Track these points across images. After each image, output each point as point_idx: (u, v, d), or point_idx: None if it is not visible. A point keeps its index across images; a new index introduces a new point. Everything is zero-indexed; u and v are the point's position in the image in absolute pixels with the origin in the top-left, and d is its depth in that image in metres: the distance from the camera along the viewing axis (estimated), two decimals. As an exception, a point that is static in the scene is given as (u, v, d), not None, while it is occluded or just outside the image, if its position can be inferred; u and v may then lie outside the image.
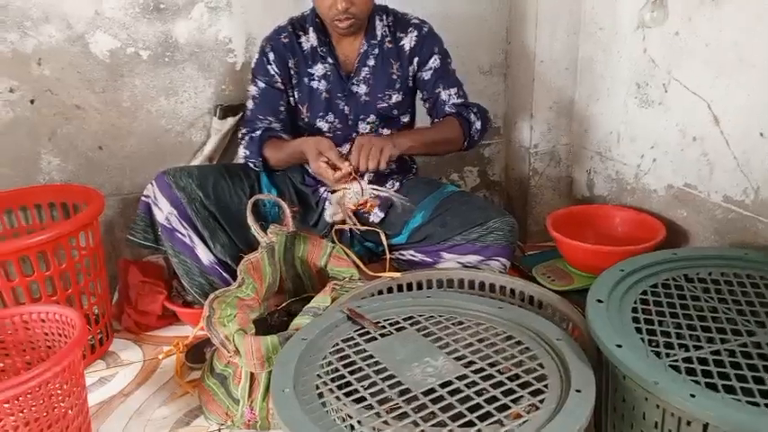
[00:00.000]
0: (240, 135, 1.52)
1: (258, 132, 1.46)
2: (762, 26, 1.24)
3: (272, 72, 1.48)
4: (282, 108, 1.51)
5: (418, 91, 1.57)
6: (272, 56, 1.47)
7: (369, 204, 1.37)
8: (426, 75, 1.52)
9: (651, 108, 1.57)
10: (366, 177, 1.43)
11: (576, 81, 1.85)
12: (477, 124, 1.51)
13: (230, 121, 1.69)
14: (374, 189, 1.37)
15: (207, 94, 1.71)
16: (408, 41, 1.51)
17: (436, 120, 1.54)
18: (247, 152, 1.47)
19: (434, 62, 1.52)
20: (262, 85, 1.49)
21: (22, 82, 1.54)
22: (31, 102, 1.57)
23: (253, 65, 1.52)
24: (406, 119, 1.59)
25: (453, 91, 1.52)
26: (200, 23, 1.64)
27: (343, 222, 1.45)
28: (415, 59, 1.52)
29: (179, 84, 1.67)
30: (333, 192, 1.43)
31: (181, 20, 1.62)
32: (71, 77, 1.58)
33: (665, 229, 1.50)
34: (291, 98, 1.52)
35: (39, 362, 1.27)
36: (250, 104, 1.52)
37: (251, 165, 1.50)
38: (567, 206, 1.94)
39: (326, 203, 1.52)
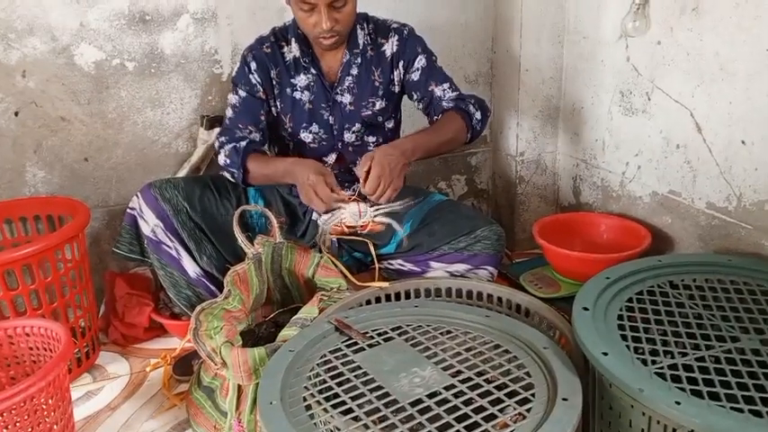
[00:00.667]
0: (219, 143, 1.47)
1: (243, 143, 1.43)
2: (742, 36, 1.26)
3: (254, 81, 1.47)
4: (263, 118, 1.49)
5: (409, 93, 1.55)
6: (253, 65, 1.47)
7: (369, 227, 1.35)
8: (415, 76, 1.51)
9: (635, 116, 1.59)
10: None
11: (561, 89, 1.87)
12: (478, 115, 1.49)
13: (217, 131, 1.68)
14: (377, 211, 1.34)
15: (193, 105, 1.70)
16: (390, 47, 1.51)
17: (435, 117, 1.51)
18: (228, 161, 1.44)
19: (420, 62, 1.51)
20: (243, 93, 1.48)
21: (6, 94, 1.53)
22: (16, 114, 1.56)
23: (234, 74, 1.51)
24: (390, 125, 1.59)
25: (446, 86, 1.51)
26: (186, 35, 1.64)
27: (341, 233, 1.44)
28: (400, 63, 1.51)
29: (165, 95, 1.67)
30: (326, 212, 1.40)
31: (167, 31, 1.62)
32: (56, 89, 1.57)
33: (650, 236, 1.52)
34: (273, 108, 1.51)
35: (23, 377, 1.25)
36: (230, 113, 1.49)
37: (229, 175, 1.46)
38: (553, 213, 1.95)
39: (318, 227, 1.49)
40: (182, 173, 1.71)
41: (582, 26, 1.74)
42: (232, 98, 1.49)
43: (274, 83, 1.49)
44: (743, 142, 1.30)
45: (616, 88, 1.64)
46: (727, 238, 1.37)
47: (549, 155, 1.94)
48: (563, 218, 1.77)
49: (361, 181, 1.29)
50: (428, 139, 1.42)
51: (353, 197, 1.36)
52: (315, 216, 1.52)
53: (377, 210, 1.35)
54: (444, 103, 1.49)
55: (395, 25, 1.52)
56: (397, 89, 1.54)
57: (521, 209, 1.98)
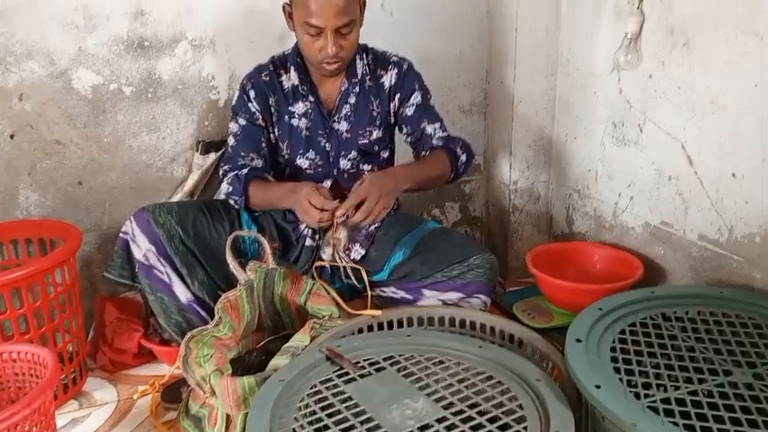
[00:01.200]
0: (222, 171, 1.52)
1: (245, 171, 1.47)
2: (731, 71, 1.28)
3: (253, 109, 1.49)
4: (263, 144, 1.52)
5: (400, 127, 1.59)
6: (252, 93, 1.49)
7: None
8: (409, 111, 1.55)
9: (627, 147, 1.61)
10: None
11: (554, 120, 1.89)
12: (463, 158, 1.54)
13: (212, 156, 1.69)
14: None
15: (189, 130, 1.71)
16: (388, 79, 1.53)
17: (423, 153, 1.54)
18: (231, 188, 1.47)
19: (416, 98, 1.54)
20: (243, 122, 1.50)
21: (3, 117, 1.54)
22: (11, 137, 1.56)
23: (233, 102, 1.53)
24: (385, 154, 1.61)
25: (437, 125, 1.56)
26: (184, 61, 1.65)
27: (333, 259, 1.46)
28: (397, 96, 1.54)
29: (161, 119, 1.68)
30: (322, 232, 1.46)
31: (165, 57, 1.63)
32: (52, 113, 1.58)
33: (643, 267, 1.52)
34: (272, 135, 1.53)
35: (8, 403, 1.23)
36: (231, 141, 1.52)
37: (232, 202, 1.49)
38: (546, 242, 1.96)
39: (321, 249, 1.53)
40: (176, 197, 1.71)
41: (575, 59, 1.77)
42: (233, 126, 1.52)
43: (273, 110, 1.50)
44: (733, 175, 1.31)
45: (609, 120, 1.66)
46: (719, 269, 1.37)
47: (542, 184, 1.96)
48: (556, 247, 1.77)
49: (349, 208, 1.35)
50: (418, 172, 1.46)
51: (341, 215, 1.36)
52: (308, 242, 1.52)
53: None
54: (434, 141, 1.53)
55: (395, 58, 1.55)
56: (392, 120, 1.57)
57: (514, 237, 1.98)
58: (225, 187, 1.49)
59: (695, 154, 1.40)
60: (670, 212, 1.50)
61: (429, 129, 1.54)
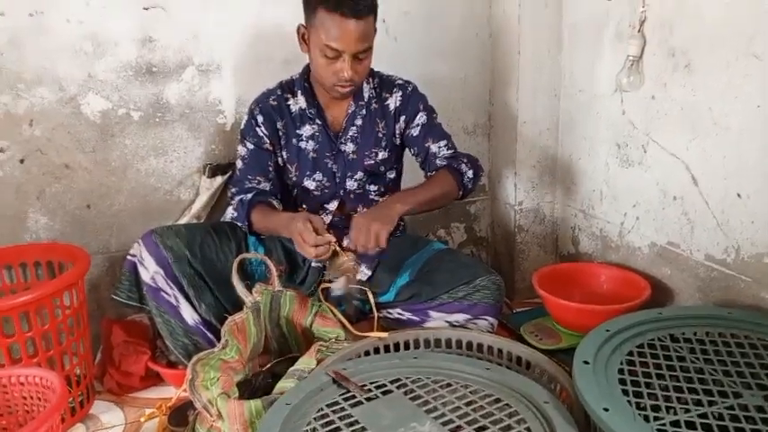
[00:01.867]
0: (230, 194, 1.53)
1: (249, 195, 1.48)
2: (733, 92, 1.29)
3: (261, 134, 1.51)
4: (271, 168, 1.54)
5: (409, 148, 1.60)
6: (260, 118, 1.51)
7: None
8: (415, 131, 1.56)
9: (632, 168, 1.62)
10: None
11: (558, 141, 1.90)
12: (469, 173, 1.52)
13: (219, 179, 1.71)
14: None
15: (196, 154, 1.73)
16: (393, 101, 1.55)
17: (429, 173, 1.55)
18: (235, 214, 1.49)
19: (421, 118, 1.56)
20: (250, 146, 1.52)
21: (13, 142, 1.56)
22: (21, 161, 1.58)
23: (242, 126, 1.55)
24: (392, 174, 1.62)
25: (443, 143, 1.55)
26: (191, 86, 1.68)
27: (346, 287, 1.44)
28: (402, 117, 1.56)
29: (169, 143, 1.70)
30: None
31: (172, 82, 1.66)
32: (61, 137, 1.60)
33: (650, 288, 1.51)
34: (279, 158, 1.55)
35: (16, 427, 1.23)
36: (239, 164, 1.54)
37: (240, 227, 1.51)
38: (553, 263, 1.96)
39: (317, 273, 1.54)
40: (183, 220, 1.72)
41: (578, 80, 1.79)
42: (241, 150, 1.53)
43: (281, 134, 1.52)
44: (738, 195, 1.31)
45: (612, 140, 1.67)
46: (727, 290, 1.37)
47: (547, 204, 1.96)
48: (562, 268, 1.76)
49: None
50: (420, 195, 1.45)
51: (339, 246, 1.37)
52: (315, 264, 1.53)
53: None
54: (438, 161, 1.53)
55: (399, 81, 1.57)
56: (398, 141, 1.58)
57: (520, 258, 1.98)
58: (230, 212, 1.50)
59: (699, 174, 1.41)
60: (676, 232, 1.50)
61: (434, 147, 1.55)
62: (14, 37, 1.50)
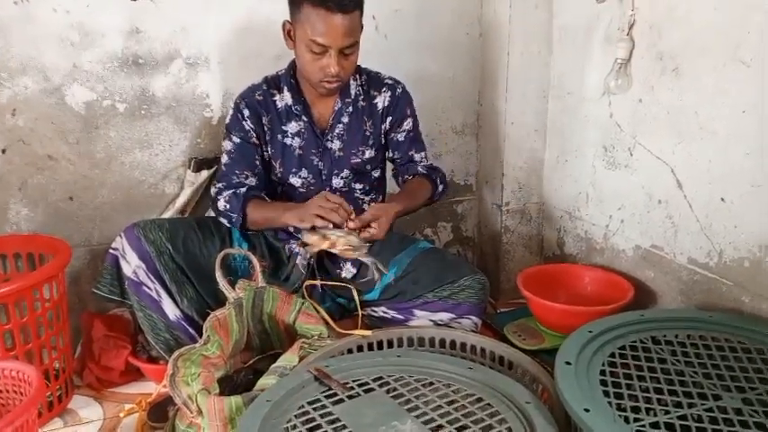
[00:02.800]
0: (217, 189, 1.50)
1: (243, 189, 1.46)
2: (720, 96, 1.30)
3: (247, 128, 1.50)
4: (258, 163, 1.52)
5: (390, 149, 1.61)
6: (246, 112, 1.49)
7: (342, 249, 1.33)
8: (400, 136, 1.58)
9: (618, 170, 1.62)
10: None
11: (546, 142, 1.91)
12: (440, 188, 1.62)
13: (204, 174, 1.69)
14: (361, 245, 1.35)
15: (182, 147, 1.71)
16: (382, 101, 1.55)
17: (407, 177, 1.60)
18: (228, 206, 1.46)
19: (408, 125, 1.58)
20: (237, 140, 1.50)
21: (-5, 131, 1.54)
22: (3, 151, 1.55)
23: (227, 121, 1.53)
24: (377, 173, 1.62)
25: (423, 154, 1.63)
26: (178, 78, 1.66)
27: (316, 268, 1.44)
28: (388, 119, 1.56)
29: (154, 136, 1.68)
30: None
31: (159, 74, 1.64)
32: (45, 128, 1.58)
33: (633, 290, 1.52)
34: (265, 153, 1.53)
35: (-9, 421, 1.21)
36: (225, 159, 1.52)
37: (225, 220, 1.48)
38: (538, 264, 1.96)
39: (300, 271, 1.52)
40: (167, 214, 1.70)
41: (566, 82, 1.79)
42: (227, 145, 1.51)
43: (266, 129, 1.51)
44: (722, 200, 1.32)
45: (599, 143, 1.67)
46: (709, 293, 1.38)
47: (533, 206, 1.97)
48: (547, 269, 1.77)
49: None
50: (411, 202, 1.52)
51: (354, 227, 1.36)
52: (300, 260, 1.52)
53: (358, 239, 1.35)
54: (419, 168, 1.59)
55: (389, 81, 1.57)
56: (383, 141, 1.58)
57: (506, 258, 1.98)
58: (222, 205, 1.47)
59: (684, 178, 1.42)
60: (660, 236, 1.50)
61: (416, 157, 1.62)
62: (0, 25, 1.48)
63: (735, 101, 1.27)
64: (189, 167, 1.70)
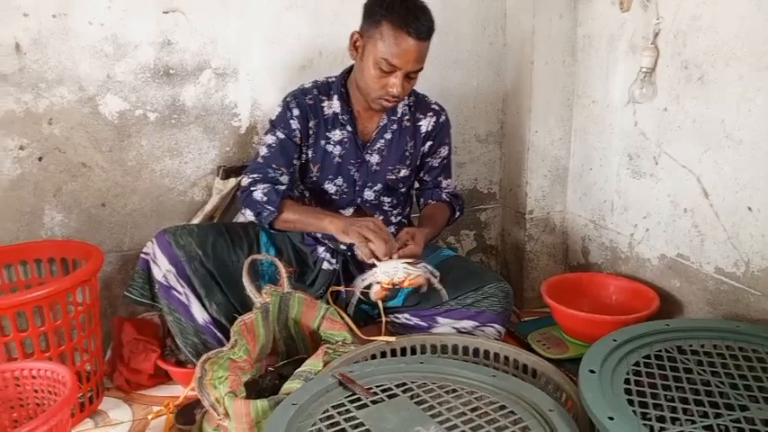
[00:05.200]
0: (251, 179, 1.47)
1: (282, 187, 1.46)
2: (746, 106, 1.29)
3: (294, 126, 1.48)
4: (295, 162, 1.52)
5: (422, 172, 1.64)
6: (296, 111, 1.48)
7: (408, 282, 1.33)
8: (435, 162, 1.61)
9: (643, 179, 1.61)
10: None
11: (570, 151, 1.91)
12: (457, 214, 1.67)
13: (232, 181, 1.73)
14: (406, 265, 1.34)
15: (211, 156, 1.75)
16: (426, 124, 1.57)
17: (429, 201, 1.65)
18: (265, 198, 1.43)
19: (444, 152, 1.62)
20: (281, 135, 1.49)
21: (32, 140, 1.59)
22: (39, 159, 1.61)
23: (274, 117, 1.51)
24: (404, 189, 1.63)
25: (450, 181, 1.68)
26: (208, 88, 1.70)
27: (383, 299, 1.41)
28: (429, 143, 1.59)
29: (184, 145, 1.72)
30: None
31: (189, 85, 1.68)
32: (79, 137, 1.63)
33: (658, 299, 1.51)
34: (304, 155, 1.53)
35: (26, 420, 1.25)
36: (264, 151, 1.49)
37: (255, 212, 1.44)
38: (562, 272, 1.96)
39: (327, 276, 1.54)
40: (195, 221, 1.74)
41: (591, 91, 1.79)
42: (269, 138, 1.50)
43: (311, 132, 1.51)
44: (749, 209, 1.31)
45: (624, 151, 1.67)
46: (736, 303, 1.36)
47: (557, 214, 1.96)
48: (571, 277, 1.77)
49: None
50: (433, 230, 1.56)
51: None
52: (326, 266, 1.54)
53: (405, 263, 1.33)
54: (444, 195, 1.64)
55: (435, 106, 1.59)
56: (419, 162, 1.61)
57: (529, 267, 1.98)
58: (259, 195, 1.43)
59: (711, 187, 1.41)
60: (686, 245, 1.49)
61: (444, 183, 1.66)
62: (38, 38, 1.54)
63: (761, 109, 1.26)
64: (217, 175, 1.74)
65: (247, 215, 1.48)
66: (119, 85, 1.63)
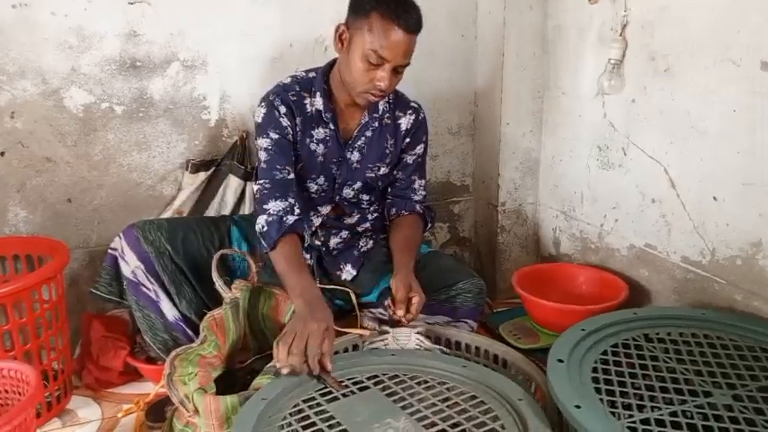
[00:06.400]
0: (261, 189, 1.41)
1: (290, 220, 1.37)
2: (711, 97, 1.32)
3: (284, 124, 1.44)
4: (294, 159, 1.47)
5: (397, 170, 1.60)
6: (283, 109, 1.44)
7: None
8: (410, 159, 1.58)
9: (612, 170, 1.63)
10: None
11: (541, 142, 1.92)
12: (428, 225, 1.62)
13: (201, 175, 1.70)
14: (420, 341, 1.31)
15: (179, 149, 1.72)
16: (405, 122, 1.55)
17: (402, 212, 1.57)
18: (266, 228, 1.37)
19: (420, 149, 1.58)
20: (275, 136, 1.43)
21: (-7, 134, 1.55)
22: (2, 154, 1.57)
23: (260, 119, 1.44)
24: (382, 188, 1.62)
25: (423, 182, 1.62)
26: (176, 81, 1.68)
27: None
28: (407, 140, 1.56)
29: (152, 138, 1.69)
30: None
31: (156, 77, 1.65)
32: (43, 131, 1.59)
33: (627, 289, 1.53)
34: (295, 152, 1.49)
35: (-11, 421, 1.22)
36: (264, 156, 1.43)
37: (260, 235, 1.40)
38: (534, 263, 1.97)
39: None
40: (164, 216, 1.71)
41: (561, 83, 1.80)
42: (264, 142, 1.43)
43: (298, 129, 1.47)
44: (714, 198, 1.33)
45: (594, 143, 1.69)
46: (702, 291, 1.39)
47: (529, 206, 1.98)
48: (542, 268, 1.78)
49: (394, 307, 1.33)
50: (414, 257, 1.49)
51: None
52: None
53: (419, 336, 1.32)
54: (417, 207, 1.58)
55: (414, 104, 1.57)
56: (396, 161, 1.58)
57: (502, 258, 1.99)
58: (262, 222, 1.38)
59: (677, 177, 1.43)
60: (654, 235, 1.52)
61: (416, 184, 1.60)
62: (-2, 28, 1.50)
63: (725, 100, 1.28)
64: (186, 169, 1.72)
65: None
66: (84, 78, 1.59)
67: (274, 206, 1.38)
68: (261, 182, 1.43)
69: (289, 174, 1.44)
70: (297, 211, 1.40)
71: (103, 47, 1.59)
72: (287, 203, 1.39)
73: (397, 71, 1.38)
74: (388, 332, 1.30)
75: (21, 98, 1.55)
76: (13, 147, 1.57)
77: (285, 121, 1.44)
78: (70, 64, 1.58)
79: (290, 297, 1.33)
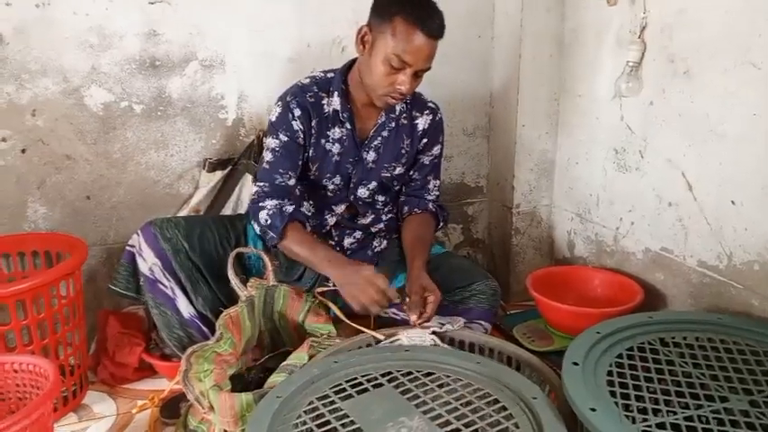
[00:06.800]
0: (261, 192, 1.43)
1: (289, 208, 1.41)
2: (731, 100, 1.30)
3: (296, 127, 1.45)
4: (300, 163, 1.48)
5: (413, 169, 1.61)
6: (297, 111, 1.44)
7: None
8: (426, 160, 1.59)
9: (628, 173, 1.62)
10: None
11: (557, 144, 1.91)
12: (440, 225, 1.64)
13: (218, 174, 1.72)
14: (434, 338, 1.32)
15: (197, 148, 1.74)
16: (423, 122, 1.56)
17: (416, 210, 1.59)
18: (269, 221, 1.40)
19: (436, 150, 1.59)
20: (284, 138, 1.45)
21: (15, 132, 1.57)
22: (23, 151, 1.59)
23: (274, 118, 1.46)
24: (397, 187, 1.63)
25: (437, 183, 1.63)
26: (194, 80, 1.69)
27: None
28: (423, 141, 1.57)
29: (170, 137, 1.71)
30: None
31: (175, 76, 1.67)
32: (64, 128, 1.61)
33: (642, 292, 1.52)
34: (305, 154, 1.50)
35: (7, 414, 1.24)
36: (269, 156, 1.45)
37: (262, 232, 1.43)
38: (548, 266, 1.96)
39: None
40: (181, 214, 1.73)
41: (578, 85, 1.79)
42: (272, 142, 1.46)
43: (313, 131, 1.47)
44: (732, 202, 1.32)
45: (610, 145, 1.68)
46: (719, 296, 1.38)
47: (544, 208, 1.97)
48: (557, 271, 1.78)
49: (409, 312, 1.34)
50: (428, 255, 1.51)
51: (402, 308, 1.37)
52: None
53: (433, 335, 1.32)
54: (430, 205, 1.60)
55: (431, 104, 1.58)
56: (413, 161, 1.59)
57: (516, 260, 1.99)
58: (263, 218, 1.40)
59: (695, 180, 1.42)
60: (670, 238, 1.50)
61: (431, 184, 1.62)
62: (21, 27, 1.52)
63: (745, 103, 1.27)
64: (203, 168, 1.73)
65: (256, 228, 1.45)
66: (104, 77, 1.61)
67: (270, 203, 1.42)
68: (260, 184, 1.45)
69: (290, 179, 1.46)
70: (292, 202, 1.44)
71: (123, 46, 1.61)
72: (284, 201, 1.42)
73: (417, 75, 1.38)
74: (399, 339, 1.30)
75: (42, 96, 1.58)
76: (33, 144, 1.60)
77: (297, 125, 1.45)
78: (91, 63, 1.60)
79: (322, 272, 1.38)
